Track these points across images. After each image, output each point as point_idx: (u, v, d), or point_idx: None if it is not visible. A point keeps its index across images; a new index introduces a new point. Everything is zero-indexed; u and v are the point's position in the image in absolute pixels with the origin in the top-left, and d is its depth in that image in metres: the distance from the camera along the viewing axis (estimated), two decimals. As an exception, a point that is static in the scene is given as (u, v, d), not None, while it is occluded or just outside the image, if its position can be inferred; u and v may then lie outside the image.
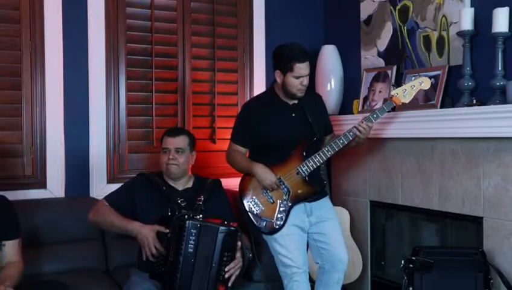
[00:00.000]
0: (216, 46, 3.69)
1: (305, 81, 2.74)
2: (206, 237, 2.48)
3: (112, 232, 2.77)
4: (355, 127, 2.76)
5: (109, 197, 2.78)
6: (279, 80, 2.78)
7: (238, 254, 2.59)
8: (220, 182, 2.95)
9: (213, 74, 3.68)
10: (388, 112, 2.84)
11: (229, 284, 2.54)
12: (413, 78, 2.91)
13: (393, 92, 2.80)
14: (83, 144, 3.31)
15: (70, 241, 3.02)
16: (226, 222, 2.54)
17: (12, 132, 3.14)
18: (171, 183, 2.83)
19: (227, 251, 2.51)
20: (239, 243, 2.59)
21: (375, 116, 2.78)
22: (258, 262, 2.87)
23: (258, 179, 2.75)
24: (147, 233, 2.53)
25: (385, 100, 2.77)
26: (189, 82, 3.60)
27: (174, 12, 3.56)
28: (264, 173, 2.74)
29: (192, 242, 2.45)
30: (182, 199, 2.69)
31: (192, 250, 2.45)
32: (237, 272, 2.57)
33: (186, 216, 2.49)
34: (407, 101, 2.80)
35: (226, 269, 2.52)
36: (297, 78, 2.72)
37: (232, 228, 2.52)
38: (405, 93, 2.77)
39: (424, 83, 2.80)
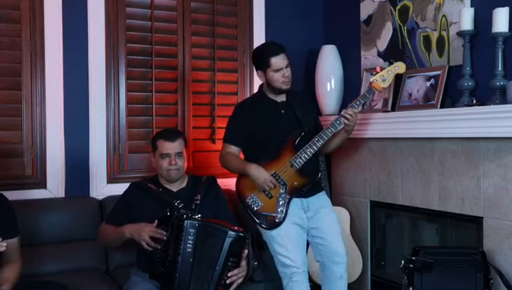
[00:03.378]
0: (216, 46, 3.68)
1: (286, 72, 2.85)
2: (212, 239, 2.48)
3: (117, 245, 2.81)
4: (342, 115, 2.84)
5: (107, 218, 2.85)
6: (262, 79, 2.90)
7: (244, 263, 2.56)
8: (215, 179, 2.94)
9: (213, 74, 3.68)
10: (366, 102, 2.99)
11: None
12: (387, 64, 3.06)
13: (371, 79, 2.95)
14: (83, 144, 3.31)
15: (70, 241, 3.03)
16: (236, 227, 2.54)
17: (12, 132, 3.14)
18: (166, 185, 2.82)
19: (232, 256, 2.51)
20: (246, 251, 2.56)
21: (358, 103, 2.88)
22: (258, 263, 2.87)
23: (252, 179, 2.78)
24: (138, 230, 2.53)
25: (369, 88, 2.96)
26: (189, 82, 3.60)
27: (174, 12, 3.56)
28: (257, 171, 2.77)
29: (190, 242, 2.45)
30: (179, 201, 2.68)
31: (190, 250, 2.45)
32: (239, 280, 2.56)
33: (184, 216, 2.49)
34: (385, 85, 2.96)
35: (229, 275, 2.52)
36: (277, 71, 2.82)
37: (241, 234, 2.52)
38: (383, 78, 2.92)
39: (400, 68, 2.97)
